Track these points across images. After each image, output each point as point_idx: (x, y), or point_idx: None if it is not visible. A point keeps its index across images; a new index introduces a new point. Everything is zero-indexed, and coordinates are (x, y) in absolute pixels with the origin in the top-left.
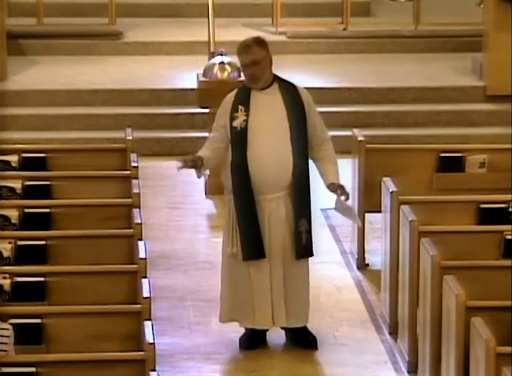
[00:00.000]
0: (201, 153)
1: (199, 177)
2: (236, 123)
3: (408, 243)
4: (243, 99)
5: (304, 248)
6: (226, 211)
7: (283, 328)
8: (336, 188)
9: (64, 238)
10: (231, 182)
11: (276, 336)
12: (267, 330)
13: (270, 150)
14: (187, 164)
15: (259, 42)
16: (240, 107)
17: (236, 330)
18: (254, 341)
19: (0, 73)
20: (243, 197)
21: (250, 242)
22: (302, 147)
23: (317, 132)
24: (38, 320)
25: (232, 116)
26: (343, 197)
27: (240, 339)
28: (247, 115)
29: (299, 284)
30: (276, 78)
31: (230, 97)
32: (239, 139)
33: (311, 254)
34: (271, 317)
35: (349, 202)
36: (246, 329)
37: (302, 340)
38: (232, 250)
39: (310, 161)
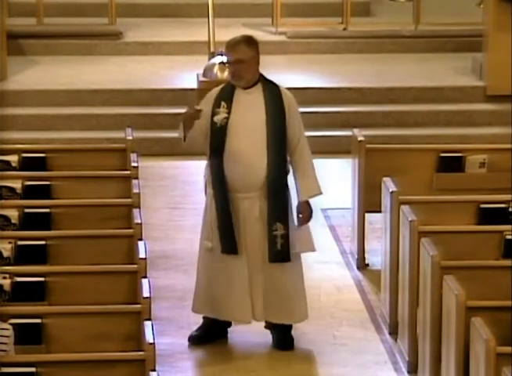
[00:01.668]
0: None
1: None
2: (217, 119)
3: (408, 243)
4: (227, 96)
5: (278, 253)
6: (205, 204)
7: (269, 329)
8: (299, 211)
9: (64, 238)
10: (209, 177)
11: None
12: (228, 326)
13: (245, 149)
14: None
15: (248, 42)
16: (223, 103)
17: (236, 330)
18: (202, 337)
19: (0, 73)
20: (219, 193)
21: (225, 237)
22: (279, 149)
23: (295, 136)
24: (38, 320)
25: (214, 111)
26: (296, 222)
27: (190, 337)
28: (229, 113)
29: (283, 285)
30: (262, 78)
31: (215, 91)
32: (218, 136)
33: (288, 260)
34: (250, 311)
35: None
36: (202, 324)
37: (278, 340)
38: (208, 244)
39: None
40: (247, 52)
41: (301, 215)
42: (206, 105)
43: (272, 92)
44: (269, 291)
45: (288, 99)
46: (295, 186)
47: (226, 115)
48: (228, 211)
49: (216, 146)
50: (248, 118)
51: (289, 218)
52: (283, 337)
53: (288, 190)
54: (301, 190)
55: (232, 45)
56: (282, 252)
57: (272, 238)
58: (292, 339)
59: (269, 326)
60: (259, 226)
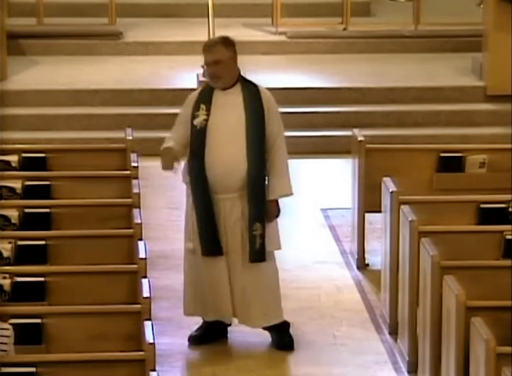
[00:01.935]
0: (168, 144)
1: (172, 169)
2: (197, 122)
3: (408, 243)
4: (206, 98)
5: (257, 253)
6: (186, 206)
7: (267, 330)
8: (268, 210)
9: (64, 238)
10: (189, 179)
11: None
12: (227, 325)
13: (225, 150)
14: (168, 162)
15: (225, 42)
16: (202, 106)
17: (236, 330)
18: (202, 337)
19: (0, 73)
20: (200, 195)
21: (207, 239)
22: (258, 150)
23: (272, 135)
24: (38, 320)
25: (194, 114)
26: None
27: (190, 337)
28: (208, 114)
29: (261, 284)
30: (241, 79)
31: (194, 95)
32: (198, 138)
33: (263, 260)
34: (231, 310)
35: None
36: (202, 324)
37: (277, 341)
38: (190, 245)
39: None
40: (225, 53)
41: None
42: (186, 109)
43: (251, 91)
44: (248, 293)
45: (267, 98)
46: (267, 184)
47: (205, 117)
48: (210, 213)
49: (196, 148)
50: (227, 119)
51: (265, 218)
52: (281, 337)
53: (266, 190)
54: (272, 189)
55: (209, 47)
56: (260, 252)
57: (252, 238)
58: (291, 339)
59: (267, 327)
60: (239, 227)
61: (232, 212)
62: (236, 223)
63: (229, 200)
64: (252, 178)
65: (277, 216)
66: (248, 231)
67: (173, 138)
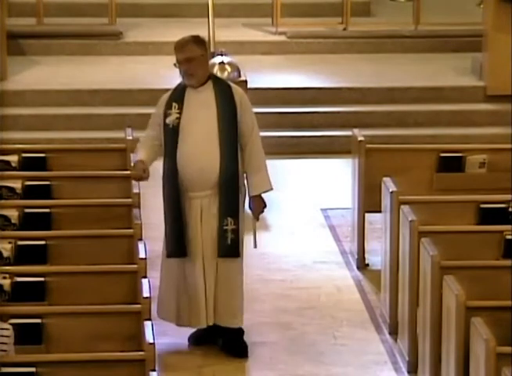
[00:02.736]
0: (140, 155)
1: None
2: (169, 120)
3: (408, 243)
4: (178, 97)
5: (228, 248)
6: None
7: (219, 335)
8: (253, 206)
9: (64, 238)
10: (163, 178)
11: (274, 337)
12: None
13: (198, 148)
14: (140, 176)
15: (196, 41)
16: (174, 104)
17: None
18: (202, 337)
19: (0, 73)
20: (170, 194)
21: (172, 239)
22: (231, 146)
23: (246, 132)
24: (38, 320)
25: (166, 113)
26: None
27: (190, 337)
28: (180, 113)
29: (229, 284)
30: (212, 77)
31: (166, 95)
32: (171, 136)
33: (237, 255)
34: (205, 316)
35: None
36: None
37: (232, 347)
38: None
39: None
40: (196, 50)
41: (255, 212)
42: (159, 109)
43: (223, 89)
44: (221, 291)
45: (239, 94)
46: (246, 181)
47: (178, 115)
48: (178, 213)
49: (170, 147)
50: (200, 117)
51: (239, 215)
52: (236, 343)
53: (241, 186)
54: (253, 185)
55: (181, 45)
56: (232, 247)
57: (222, 233)
58: (246, 346)
59: (224, 330)
60: (213, 223)
61: (209, 209)
62: (210, 221)
63: (206, 197)
64: (225, 174)
65: (264, 208)
66: (218, 226)
67: (145, 142)
